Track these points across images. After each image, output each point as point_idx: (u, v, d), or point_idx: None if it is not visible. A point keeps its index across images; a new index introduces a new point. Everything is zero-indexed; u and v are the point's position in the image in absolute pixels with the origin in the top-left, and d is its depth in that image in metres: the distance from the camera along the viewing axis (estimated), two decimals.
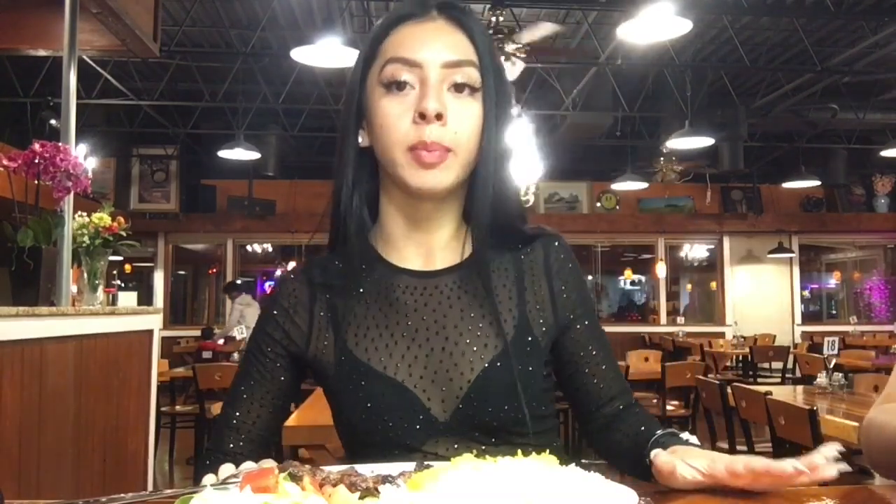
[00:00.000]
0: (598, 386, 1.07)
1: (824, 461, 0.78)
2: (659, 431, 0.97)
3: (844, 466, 0.78)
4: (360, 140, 1.03)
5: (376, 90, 0.99)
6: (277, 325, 1.05)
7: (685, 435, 0.96)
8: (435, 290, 1.03)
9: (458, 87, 0.97)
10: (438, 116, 0.94)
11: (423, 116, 0.94)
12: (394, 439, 0.96)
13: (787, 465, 0.78)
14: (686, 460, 0.84)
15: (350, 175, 1.02)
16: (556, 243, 1.08)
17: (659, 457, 0.84)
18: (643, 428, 1.01)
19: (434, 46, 0.98)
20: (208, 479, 0.80)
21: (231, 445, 1.04)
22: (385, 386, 0.97)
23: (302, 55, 5.48)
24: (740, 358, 8.56)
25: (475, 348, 0.99)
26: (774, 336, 10.01)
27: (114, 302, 4.61)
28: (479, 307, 1.02)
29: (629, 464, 1.01)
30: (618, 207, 11.80)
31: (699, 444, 0.94)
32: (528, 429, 0.97)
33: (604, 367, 1.07)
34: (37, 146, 2.58)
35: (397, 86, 0.97)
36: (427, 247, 1.05)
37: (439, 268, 1.04)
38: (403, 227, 1.04)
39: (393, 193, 1.03)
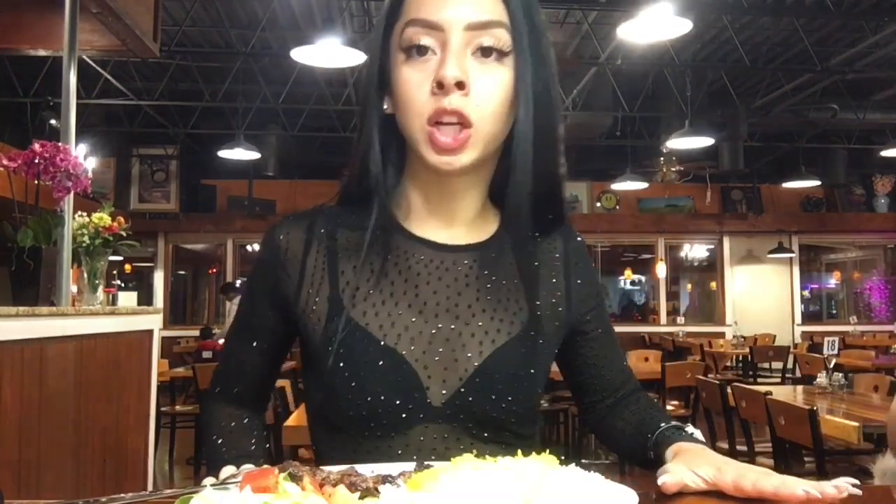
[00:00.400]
0: (605, 378, 1.06)
1: (835, 492, 0.75)
2: (663, 424, 0.95)
3: (856, 492, 0.76)
4: (385, 106, 0.95)
5: (398, 55, 0.90)
6: (267, 272, 0.99)
7: (689, 428, 0.94)
8: (453, 265, 0.96)
9: (486, 52, 0.88)
10: (460, 85, 0.85)
11: (441, 86, 0.85)
12: (380, 416, 0.89)
13: (798, 488, 0.76)
14: (692, 468, 0.82)
15: (376, 141, 0.94)
16: (574, 235, 1.06)
17: (665, 484, 0.81)
18: (646, 417, 1.00)
19: (457, 5, 0.88)
20: (208, 479, 0.80)
21: (227, 389, 1.04)
22: (382, 355, 0.90)
23: (302, 55, 5.49)
24: (740, 358, 8.56)
25: (487, 332, 0.93)
26: (774, 336, 10.01)
27: (114, 302, 4.61)
28: (496, 290, 0.96)
29: (631, 452, 1.00)
30: (618, 207, 11.80)
31: (703, 439, 0.93)
32: (523, 426, 0.94)
33: (612, 360, 1.07)
34: (37, 146, 2.59)
35: (417, 50, 0.88)
36: (450, 220, 0.98)
37: (462, 243, 0.98)
38: (426, 199, 0.98)
39: (416, 165, 0.96)
